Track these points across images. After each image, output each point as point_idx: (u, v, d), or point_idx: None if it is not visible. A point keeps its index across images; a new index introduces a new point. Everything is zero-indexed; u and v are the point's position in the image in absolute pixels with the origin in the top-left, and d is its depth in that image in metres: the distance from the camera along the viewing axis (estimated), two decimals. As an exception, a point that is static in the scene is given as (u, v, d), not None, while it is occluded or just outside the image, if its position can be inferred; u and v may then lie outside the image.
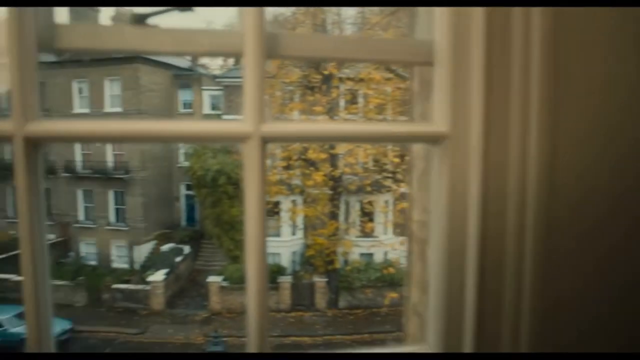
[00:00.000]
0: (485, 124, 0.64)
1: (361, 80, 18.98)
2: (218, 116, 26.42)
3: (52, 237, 28.21)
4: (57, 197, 28.65)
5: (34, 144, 0.53)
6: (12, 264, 24.94)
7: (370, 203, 22.19)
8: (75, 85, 27.68)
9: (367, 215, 22.50)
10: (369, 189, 20.36)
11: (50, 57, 28.52)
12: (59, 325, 19.15)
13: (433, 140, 0.68)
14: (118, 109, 26.61)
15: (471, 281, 0.68)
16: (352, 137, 0.67)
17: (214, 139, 0.60)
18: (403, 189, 19.54)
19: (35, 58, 0.54)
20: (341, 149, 20.78)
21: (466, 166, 0.66)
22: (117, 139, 0.58)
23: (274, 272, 22.36)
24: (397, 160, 17.23)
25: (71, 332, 19.51)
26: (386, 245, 21.98)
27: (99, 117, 26.96)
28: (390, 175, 19.68)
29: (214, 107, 28.40)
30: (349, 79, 20.96)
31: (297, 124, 0.64)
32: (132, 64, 26.43)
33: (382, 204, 22.64)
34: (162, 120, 0.59)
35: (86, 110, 27.32)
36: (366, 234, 22.85)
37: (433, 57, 0.66)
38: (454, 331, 0.71)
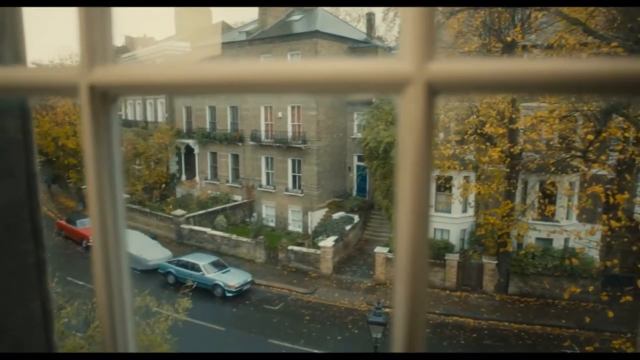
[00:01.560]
0: None
1: (550, 46, 16.95)
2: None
3: (238, 198, 31.69)
4: (244, 163, 31.92)
5: (103, 94, 0.44)
6: (209, 219, 28.69)
7: (552, 184, 20.04)
8: (262, 60, 30.09)
9: (548, 197, 20.39)
10: (552, 168, 18.36)
11: (241, 36, 31.44)
12: (242, 277, 21.57)
13: None
14: (298, 82, 28.18)
15: None
16: (581, 80, 0.37)
17: (353, 86, 0.41)
18: (595, 170, 17.19)
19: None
20: (522, 123, 19.05)
21: None
22: (213, 88, 0.46)
23: (441, 249, 21.89)
24: (590, 137, 15.02)
25: (252, 284, 21.82)
26: (569, 232, 19.72)
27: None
28: (580, 154, 17.42)
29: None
30: (534, 46, 18.93)
31: (485, 62, 0.39)
32: (312, 38, 27.67)
33: (566, 185, 20.29)
34: (276, 63, 0.43)
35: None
36: (545, 217, 20.80)
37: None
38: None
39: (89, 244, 26.51)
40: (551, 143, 19.71)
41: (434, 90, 0.38)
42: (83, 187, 35.07)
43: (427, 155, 0.39)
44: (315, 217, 28.24)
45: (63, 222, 29.21)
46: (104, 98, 0.44)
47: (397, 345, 0.47)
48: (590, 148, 16.82)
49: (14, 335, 0.80)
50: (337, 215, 27.34)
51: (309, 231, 27.77)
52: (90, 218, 0.47)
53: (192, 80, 0.44)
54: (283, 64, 0.42)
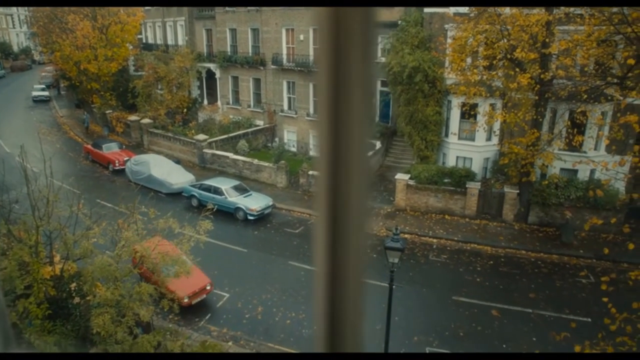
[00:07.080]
0: None
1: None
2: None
3: (260, 123, 31.56)
4: (265, 87, 31.46)
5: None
6: (231, 144, 28.83)
7: (583, 113, 19.24)
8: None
9: (577, 126, 19.68)
10: (584, 96, 17.52)
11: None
12: (263, 201, 21.95)
13: None
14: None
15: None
16: None
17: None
18: (631, 99, 16.36)
19: None
20: (556, 47, 18.01)
21: None
22: None
23: (462, 177, 21.70)
24: (631, 61, 13.96)
25: (273, 207, 22.23)
26: (596, 164, 19.16)
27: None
28: (616, 81, 16.48)
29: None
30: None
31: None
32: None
33: (598, 115, 19.49)
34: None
35: None
36: (572, 148, 20.22)
37: None
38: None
39: (115, 167, 27.17)
40: (586, 69, 18.71)
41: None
42: (107, 111, 35.33)
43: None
44: (337, 144, 28.06)
45: (89, 146, 29.65)
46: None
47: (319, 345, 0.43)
48: (629, 74, 15.89)
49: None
50: (358, 142, 27.09)
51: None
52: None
53: None
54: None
